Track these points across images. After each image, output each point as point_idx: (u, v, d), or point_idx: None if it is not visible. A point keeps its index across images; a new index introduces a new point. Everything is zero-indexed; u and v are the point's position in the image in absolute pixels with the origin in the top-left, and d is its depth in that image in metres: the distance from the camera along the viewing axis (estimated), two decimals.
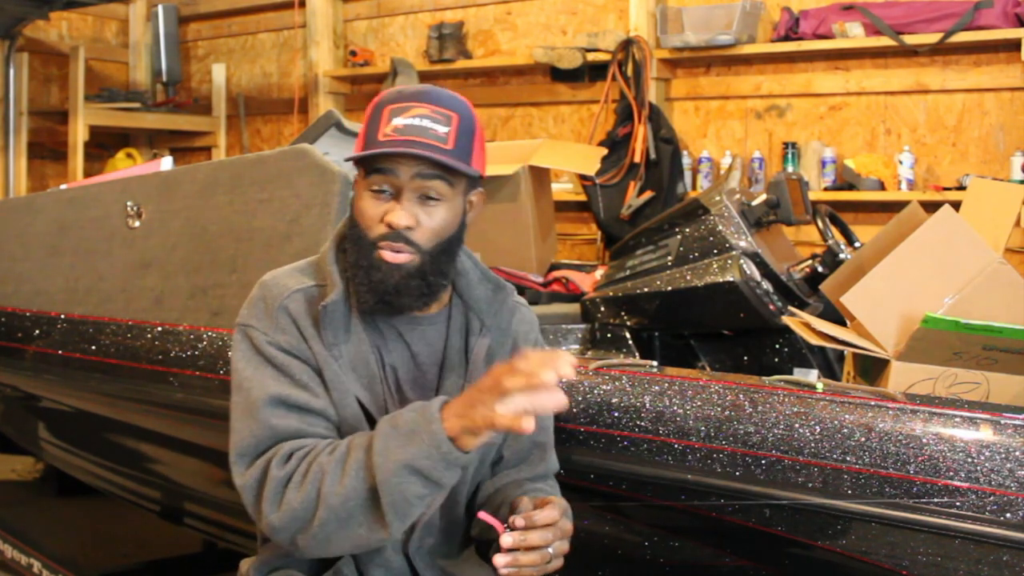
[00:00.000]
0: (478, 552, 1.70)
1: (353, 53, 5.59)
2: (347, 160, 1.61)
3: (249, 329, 1.60)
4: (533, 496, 1.58)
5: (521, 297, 1.79)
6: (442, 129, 1.54)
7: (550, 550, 1.48)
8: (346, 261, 1.61)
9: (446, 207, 1.58)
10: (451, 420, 1.40)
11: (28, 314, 2.93)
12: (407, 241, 1.55)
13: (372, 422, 1.56)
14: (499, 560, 1.45)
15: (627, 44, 4.65)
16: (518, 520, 1.46)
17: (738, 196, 2.79)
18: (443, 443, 1.40)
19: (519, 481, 1.71)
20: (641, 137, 4.50)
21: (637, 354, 2.78)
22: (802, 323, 2.31)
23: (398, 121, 1.54)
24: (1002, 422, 1.69)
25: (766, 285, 2.63)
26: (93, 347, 2.70)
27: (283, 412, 1.54)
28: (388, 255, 1.55)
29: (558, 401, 1.35)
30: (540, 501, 1.53)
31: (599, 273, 3.13)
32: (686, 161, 4.63)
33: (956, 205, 2.47)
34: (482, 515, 1.52)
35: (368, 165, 1.57)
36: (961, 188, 3.99)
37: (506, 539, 1.44)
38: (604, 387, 1.99)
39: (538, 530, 1.46)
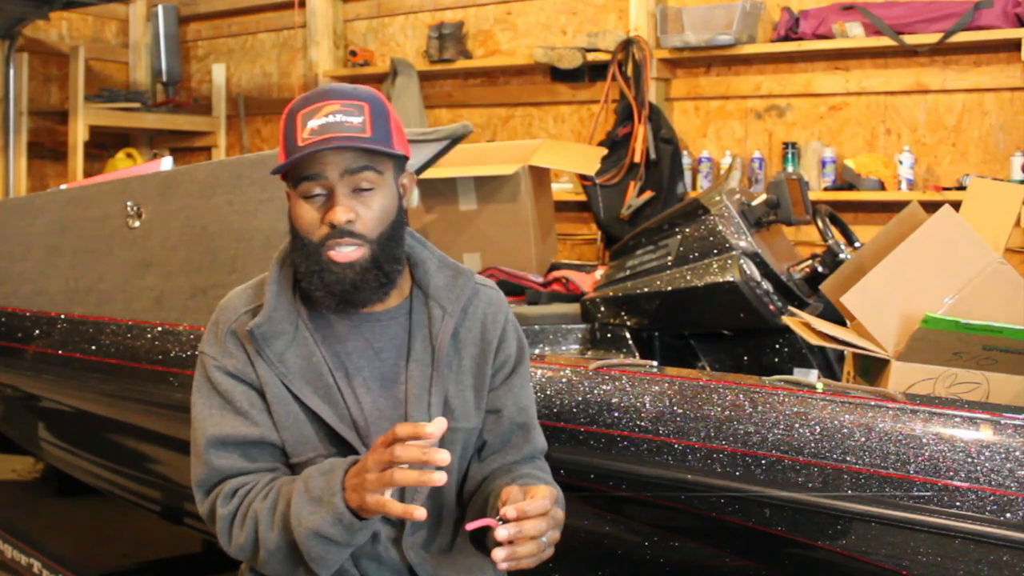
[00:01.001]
0: (472, 541, 1.70)
1: (353, 53, 5.59)
2: (273, 173, 1.62)
3: (203, 355, 1.68)
4: (523, 484, 1.58)
5: (489, 280, 1.79)
6: (356, 120, 1.56)
7: (544, 539, 1.49)
8: (294, 275, 1.65)
9: (380, 194, 1.60)
10: (351, 494, 1.46)
11: (28, 314, 2.93)
12: (352, 235, 1.57)
13: (331, 432, 1.61)
14: (498, 554, 1.45)
15: (627, 44, 4.65)
16: (509, 511, 1.46)
17: (738, 196, 2.79)
18: (343, 516, 1.46)
19: (507, 466, 1.70)
20: (641, 137, 4.50)
21: (637, 354, 2.78)
22: (802, 323, 2.31)
23: (312, 123, 1.56)
24: (1002, 422, 1.69)
25: (766, 285, 2.63)
26: (93, 347, 2.70)
27: (224, 452, 1.62)
28: (337, 255, 1.57)
29: (439, 478, 1.39)
30: (530, 490, 1.53)
31: (599, 273, 3.13)
32: (686, 161, 4.63)
33: (956, 205, 2.47)
34: (469, 525, 1.53)
35: (296, 175, 1.59)
36: (961, 188, 3.99)
37: (501, 532, 1.45)
38: (604, 387, 1.99)
39: (532, 520, 1.47)
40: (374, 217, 1.58)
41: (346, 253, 1.57)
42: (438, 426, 1.39)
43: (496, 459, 1.71)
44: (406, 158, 1.66)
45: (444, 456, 1.38)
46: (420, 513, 1.39)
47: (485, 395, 1.71)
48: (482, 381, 1.70)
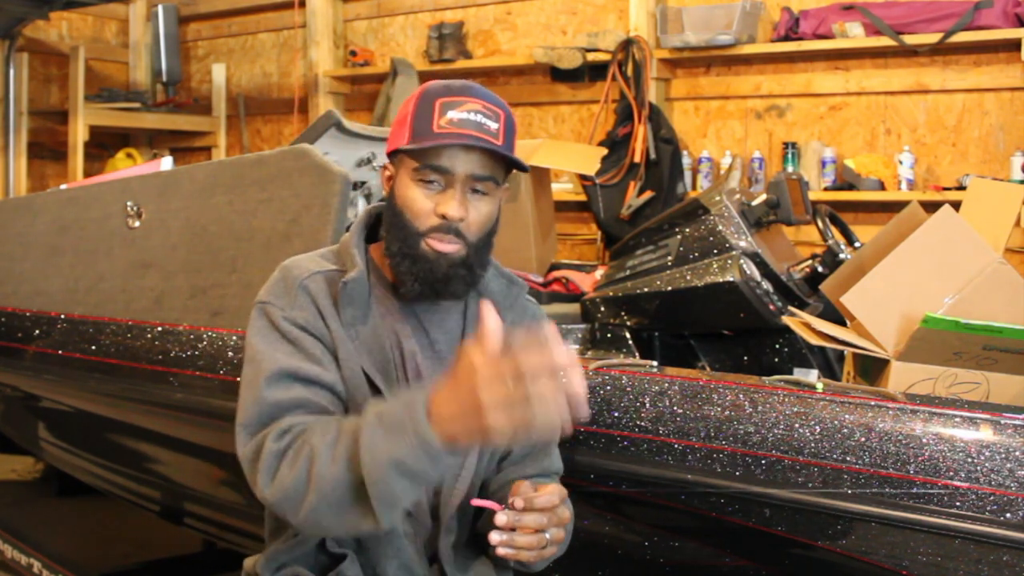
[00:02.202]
0: (478, 533, 1.70)
1: (353, 53, 5.59)
2: (404, 150, 1.59)
3: (267, 306, 1.61)
4: (535, 482, 1.59)
5: (532, 298, 1.82)
6: (494, 125, 1.58)
7: (547, 535, 1.49)
8: (381, 248, 1.65)
9: (490, 201, 1.62)
10: (441, 423, 1.33)
11: (28, 314, 2.93)
12: (457, 233, 1.58)
13: None
14: (494, 537, 1.46)
15: (627, 44, 4.65)
16: (517, 501, 1.47)
17: (738, 196, 2.79)
18: (430, 442, 1.33)
19: (524, 477, 1.71)
20: (641, 137, 4.50)
21: (637, 354, 2.78)
22: (802, 323, 2.31)
23: (453, 115, 1.56)
24: (1002, 422, 1.69)
25: (766, 285, 2.63)
26: (93, 347, 2.70)
27: (288, 384, 1.54)
28: (437, 244, 1.58)
29: (568, 414, 1.25)
30: (540, 486, 1.54)
31: (599, 273, 3.13)
32: (686, 161, 4.63)
33: (956, 205, 2.47)
34: (475, 501, 1.55)
35: (420, 157, 1.58)
36: (961, 188, 3.99)
37: (501, 517, 1.46)
38: (604, 387, 1.99)
39: (534, 512, 1.47)
40: (480, 222, 1.60)
41: (446, 246, 1.58)
42: (552, 330, 1.27)
43: (514, 471, 1.72)
44: (520, 170, 1.67)
45: (572, 353, 1.26)
46: (585, 412, 1.26)
47: None
48: None
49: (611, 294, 2.84)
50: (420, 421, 1.34)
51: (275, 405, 1.53)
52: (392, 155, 1.65)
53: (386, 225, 1.64)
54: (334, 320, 1.60)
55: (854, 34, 4.19)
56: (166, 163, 3.10)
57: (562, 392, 1.25)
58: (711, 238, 2.71)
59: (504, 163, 1.61)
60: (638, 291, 2.78)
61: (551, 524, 1.50)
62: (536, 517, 1.47)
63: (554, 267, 3.42)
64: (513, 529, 1.47)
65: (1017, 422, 1.69)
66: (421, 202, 1.59)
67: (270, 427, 1.51)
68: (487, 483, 1.72)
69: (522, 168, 1.63)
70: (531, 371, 1.23)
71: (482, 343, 1.29)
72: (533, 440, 1.34)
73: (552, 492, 1.51)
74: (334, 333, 1.60)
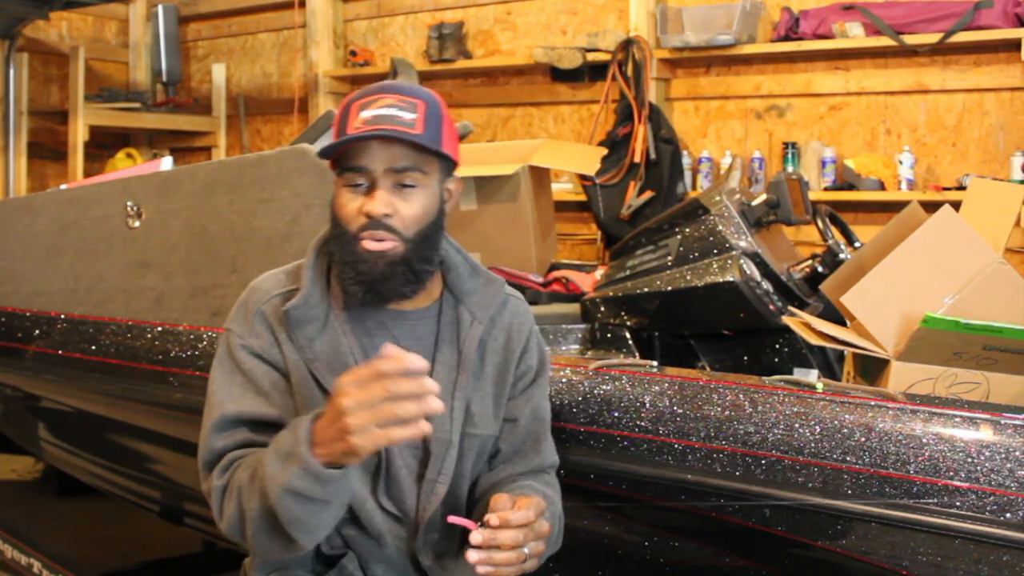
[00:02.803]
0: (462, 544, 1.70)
1: (353, 53, 5.59)
2: (319, 156, 1.62)
3: (229, 333, 1.67)
4: (517, 494, 1.58)
5: (515, 291, 1.80)
6: (409, 116, 1.57)
7: (525, 550, 1.48)
8: (332, 261, 1.64)
9: (422, 194, 1.60)
10: (325, 446, 1.40)
11: (28, 314, 2.93)
12: (387, 228, 1.57)
13: None
14: (471, 555, 1.46)
15: (627, 44, 4.65)
16: (492, 519, 1.46)
17: (738, 196, 2.78)
18: (312, 466, 1.40)
19: (513, 477, 1.71)
20: (641, 137, 4.50)
21: (637, 354, 2.78)
22: (802, 323, 2.31)
23: (365, 113, 1.57)
24: (1002, 422, 1.69)
25: (766, 285, 2.63)
26: (93, 347, 2.70)
27: (233, 431, 1.60)
28: (370, 244, 1.57)
29: (436, 403, 1.34)
30: (518, 501, 1.53)
31: (599, 273, 3.13)
32: (686, 161, 4.63)
33: (956, 205, 2.47)
34: (452, 519, 1.53)
35: (342, 163, 1.60)
36: (961, 188, 3.99)
37: (475, 536, 1.45)
38: (604, 387, 1.99)
39: (510, 530, 1.46)
40: (412, 215, 1.59)
41: (379, 244, 1.57)
42: (422, 361, 1.34)
43: (505, 469, 1.72)
44: (455, 163, 1.67)
45: (434, 385, 1.33)
46: (426, 426, 1.33)
47: (504, 403, 1.71)
48: (502, 389, 1.71)
49: (611, 294, 2.84)
50: (302, 447, 1.41)
51: (221, 451, 1.60)
52: (332, 168, 1.65)
53: (331, 237, 1.65)
54: (288, 346, 1.62)
55: (854, 34, 4.19)
56: (166, 163, 3.10)
57: (418, 411, 1.33)
58: (711, 238, 2.71)
59: (432, 153, 1.59)
60: (638, 291, 2.78)
61: (528, 539, 1.49)
62: (512, 534, 1.46)
63: (554, 267, 3.42)
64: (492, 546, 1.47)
65: (1017, 422, 1.69)
66: (349, 204, 1.59)
67: (217, 466, 1.59)
68: (478, 481, 1.71)
69: (443, 155, 1.61)
70: (389, 394, 1.32)
71: (355, 370, 1.36)
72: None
73: (529, 506, 1.50)
74: (288, 360, 1.62)
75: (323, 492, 1.43)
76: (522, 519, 1.47)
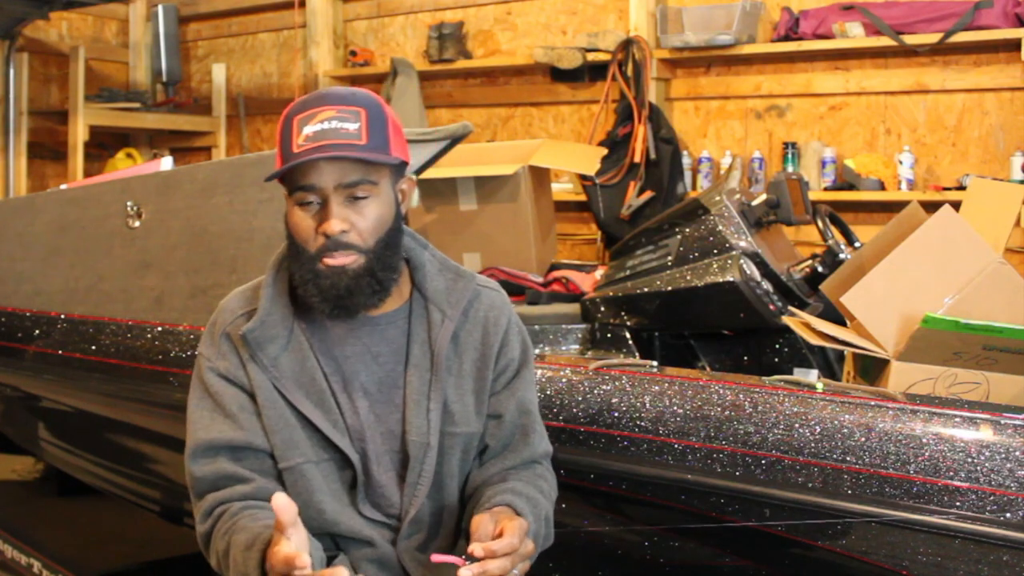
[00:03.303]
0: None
1: (353, 53, 5.59)
2: (267, 180, 1.61)
3: (199, 357, 1.68)
4: (507, 502, 1.57)
5: (492, 283, 1.77)
6: (352, 126, 1.54)
7: (515, 572, 1.47)
8: (290, 279, 1.63)
9: (377, 202, 1.58)
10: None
11: (28, 314, 2.93)
12: (346, 246, 1.56)
13: (323, 438, 1.60)
14: None
15: (627, 44, 4.65)
16: (477, 550, 1.44)
17: (738, 196, 2.78)
18: None
19: (504, 472, 1.69)
20: (641, 137, 4.50)
21: (637, 354, 2.78)
22: (802, 323, 2.31)
23: (308, 129, 1.54)
24: (1002, 422, 1.69)
25: (766, 285, 2.63)
26: (93, 347, 2.70)
27: (210, 458, 1.62)
28: (331, 261, 1.56)
29: None
30: (501, 524, 1.51)
31: (599, 273, 3.13)
32: (686, 161, 4.63)
33: (956, 205, 2.47)
34: (435, 557, 1.51)
35: (291, 182, 1.58)
36: (961, 188, 3.99)
37: (464, 573, 1.43)
38: (604, 387, 1.99)
39: (497, 560, 1.45)
40: (369, 227, 1.57)
41: (340, 259, 1.56)
42: (305, 559, 1.35)
43: (495, 464, 1.70)
44: (405, 164, 1.64)
45: None
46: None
47: (486, 399, 1.69)
48: (483, 385, 1.69)
49: (611, 294, 2.84)
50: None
51: (201, 480, 1.63)
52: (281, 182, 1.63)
53: (289, 255, 1.64)
54: (252, 366, 1.61)
55: (854, 34, 4.19)
56: (166, 163, 3.10)
57: None
58: (711, 238, 2.71)
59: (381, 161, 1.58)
60: (638, 291, 2.78)
61: (515, 563, 1.47)
62: (499, 564, 1.44)
63: (554, 267, 3.42)
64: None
65: (1017, 422, 1.69)
66: (305, 224, 1.57)
67: (201, 504, 1.62)
68: (469, 479, 1.70)
69: (392, 164, 1.59)
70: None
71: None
72: None
73: (512, 532, 1.47)
74: (253, 380, 1.61)
75: None
76: (506, 548, 1.45)
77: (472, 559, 1.44)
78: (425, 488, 1.62)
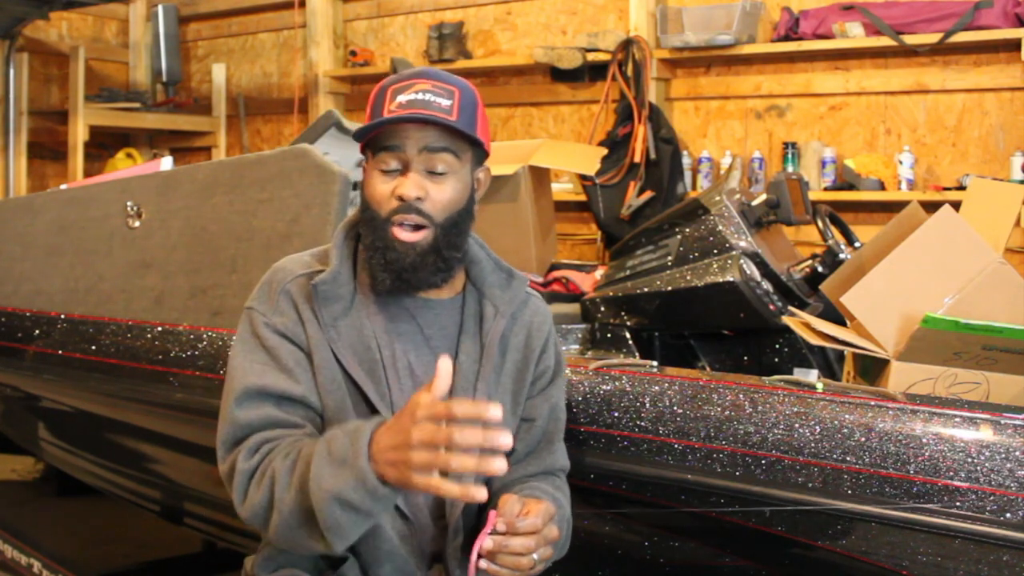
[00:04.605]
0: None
1: (353, 53, 5.59)
2: (355, 138, 1.62)
3: (251, 311, 1.64)
4: (526, 495, 1.58)
5: (535, 291, 1.80)
6: (445, 102, 1.57)
7: (535, 556, 1.48)
8: (362, 245, 1.64)
9: (454, 179, 1.60)
10: (382, 465, 1.37)
11: (28, 314, 2.93)
12: (419, 212, 1.57)
13: (371, 408, 1.58)
14: (482, 563, 1.46)
15: (627, 44, 4.65)
16: (500, 524, 1.46)
17: (738, 196, 2.78)
18: (368, 480, 1.38)
19: (524, 478, 1.70)
20: (641, 137, 4.50)
21: (637, 354, 2.78)
22: (802, 323, 2.31)
23: (402, 98, 1.57)
24: (1002, 422, 1.69)
25: (766, 285, 2.63)
26: (93, 347, 2.69)
27: (258, 403, 1.56)
28: (402, 234, 1.57)
29: (499, 466, 1.31)
30: (528, 505, 1.52)
31: (599, 273, 3.13)
32: (686, 161, 4.63)
33: (956, 205, 2.47)
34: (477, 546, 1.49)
35: (375, 145, 1.60)
36: (961, 188, 3.98)
37: (487, 543, 1.44)
38: (604, 387, 1.99)
39: (520, 537, 1.46)
40: (444, 201, 1.59)
41: (412, 235, 1.57)
42: (498, 410, 1.30)
43: (517, 470, 1.70)
44: (486, 152, 1.67)
45: (508, 440, 1.30)
46: (481, 494, 1.31)
47: (522, 401, 1.71)
48: (521, 387, 1.70)
49: (611, 294, 2.84)
50: (360, 457, 1.38)
51: (245, 425, 1.56)
52: (364, 151, 1.65)
53: (361, 220, 1.64)
54: (312, 325, 1.60)
55: (854, 34, 4.19)
56: (166, 163, 3.10)
57: (474, 467, 1.31)
58: (711, 238, 2.71)
59: (466, 140, 1.60)
60: (638, 291, 2.78)
61: (539, 546, 1.48)
62: (522, 541, 1.46)
63: (554, 267, 3.42)
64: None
65: (1017, 422, 1.69)
66: (381, 187, 1.59)
67: (242, 445, 1.55)
68: (491, 482, 1.70)
69: (477, 143, 1.61)
70: (452, 443, 1.30)
71: (434, 402, 1.32)
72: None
73: (537, 513, 1.49)
74: (311, 339, 1.60)
75: (373, 506, 1.41)
76: (530, 527, 1.47)
77: (496, 534, 1.45)
78: (470, 480, 1.61)
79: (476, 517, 1.66)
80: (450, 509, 1.63)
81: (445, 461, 1.31)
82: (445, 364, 1.35)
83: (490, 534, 1.46)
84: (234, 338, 1.66)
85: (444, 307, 1.68)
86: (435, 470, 1.32)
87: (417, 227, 1.59)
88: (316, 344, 1.60)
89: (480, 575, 1.50)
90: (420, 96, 1.56)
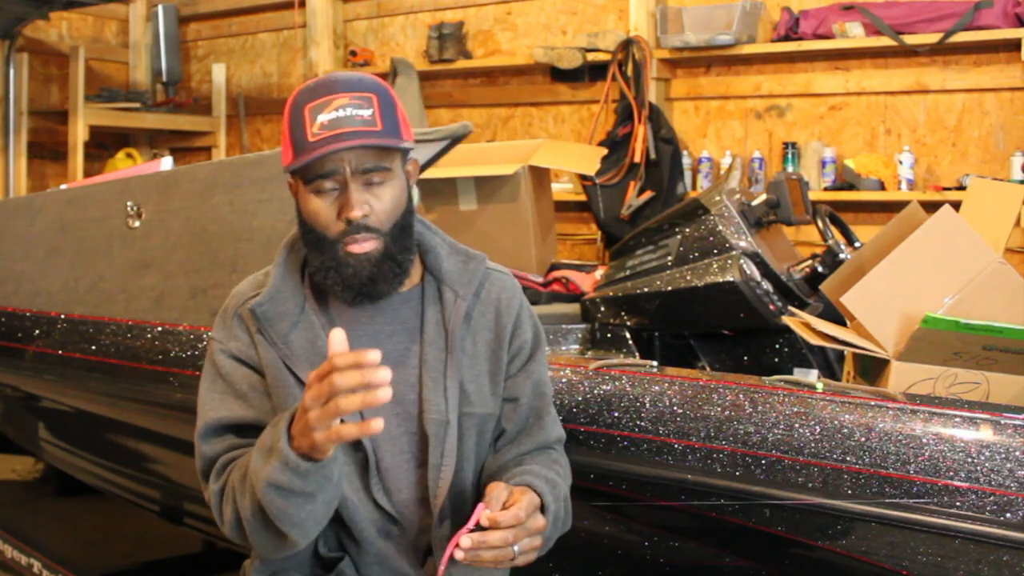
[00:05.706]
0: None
1: (353, 53, 5.59)
2: (286, 171, 1.61)
3: (211, 340, 1.70)
4: (518, 482, 1.57)
5: (501, 267, 1.78)
6: (366, 113, 1.55)
7: (515, 548, 1.48)
8: (310, 268, 1.64)
9: (392, 185, 1.60)
10: (297, 440, 1.41)
11: (28, 314, 2.93)
12: (367, 229, 1.57)
13: None
14: (457, 554, 1.46)
15: (627, 44, 4.65)
16: (483, 520, 1.46)
17: (738, 196, 2.78)
18: (289, 459, 1.41)
19: (519, 458, 1.69)
20: (641, 137, 4.50)
21: (637, 354, 2.78)
22: (802, 323, 2.31)
23: (322, 118, 1.55)
24: (1002, 422, 1.69)
25: (766, 285, 2.63)
26: (93, 347, 2.70)
27: (220, 437, 1.62)
28: (354, 247, 1.58)
29: (383, 395, 1.32)
30: (514, 495, 1.52)
31: (599, 273, 3.13)
32: (686, 161, 4.63)
33: (956, 205, 2.47)
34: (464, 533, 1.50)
35: (306, 172, 1.58)
36: (961, 188, 3.99)
37: (465, 540, 1.45)
38: (604, 387, 1.99)
39: (499, 532, 1.46)
40: (387, 209, 1.59)
41: (363, 246, 1.57)
42: (376, 354, 1.33)
43: (510, 449, 1.71)
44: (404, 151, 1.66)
45: (386, 374, 1.32)
46: (377, 424, 1.32)
47: (501, 381, 1.70)
48: (498, 367, 1.70)
49: (611, 294, 2.84)
50: (281, 439, 1.42)
51: (211, 458, 1.62)
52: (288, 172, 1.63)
53: (303, 242, 1.64)
54: (263, 345, 1.63)
55: (854, 34, 4.19)
56: (166, 163, 3.10)
57: (360, 404, 1.32)
58: (711, 238, 2.71)
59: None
60: (638, 291, 2.78)
61: (519, 538, 1.48)
62: (501, 535, 1.46)
63: (554, 267, 3.42)
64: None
65: (1017, 422, 1.69)
66: (325, 212, 1.58)
67: (211, 472, 1.61)
68: (485, 467, 1.70)
69: (405, 149, 1.61)
70: (334, 389, 1.32)
71: (345, 359, 1.34)
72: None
73: (520, 506, 1.49)
74: (263, 359, 1.62)
75: (303, 484, 1.43)
76: (511, 520, 1.47)
77: (480, 528, 1.45)
78: (450, 469, 1.62)
79: (464, 505, 1.66)
80: (433, 499, 1.62)
81: (335, 406, 1.33)
82: (337, 334, 1.37)
83: (472, 530, 1.46)
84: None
85: (402, 300, 1.68)
86: (330, 420, 1.35)
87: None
88: (268, 363, 1.62)
89: (455, 565, 1.50)
90: (342, 113, 1.54)
